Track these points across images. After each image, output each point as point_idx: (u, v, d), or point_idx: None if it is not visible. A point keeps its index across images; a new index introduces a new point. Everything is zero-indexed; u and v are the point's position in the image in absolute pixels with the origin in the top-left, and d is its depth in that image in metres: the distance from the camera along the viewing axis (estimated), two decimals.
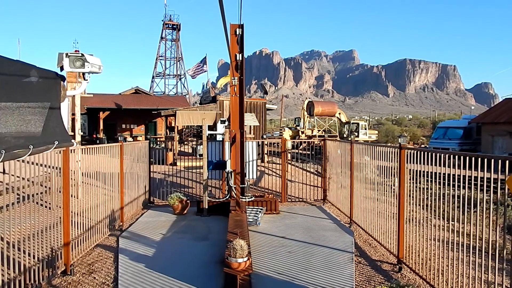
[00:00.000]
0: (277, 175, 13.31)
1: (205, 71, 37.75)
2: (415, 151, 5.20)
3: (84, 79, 3.48)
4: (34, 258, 4.41)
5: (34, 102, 2.59)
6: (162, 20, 57.05)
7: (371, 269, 5.45)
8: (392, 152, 5.85)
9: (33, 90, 2.60)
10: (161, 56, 59.16)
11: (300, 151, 22.15)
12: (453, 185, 4.28)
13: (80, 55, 3.19)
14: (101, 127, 27.84)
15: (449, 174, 4.44)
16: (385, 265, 5.61)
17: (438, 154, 4.68)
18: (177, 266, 5.37)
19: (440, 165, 4.60)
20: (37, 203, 5.32)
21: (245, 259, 4.27)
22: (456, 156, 4.27)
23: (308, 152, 15.36)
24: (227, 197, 8.47)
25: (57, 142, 2.48)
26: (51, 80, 2.80)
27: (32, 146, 2.25)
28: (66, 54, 3.13)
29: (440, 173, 4.59)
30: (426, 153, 4.94)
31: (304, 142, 15.49)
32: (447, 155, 4.55)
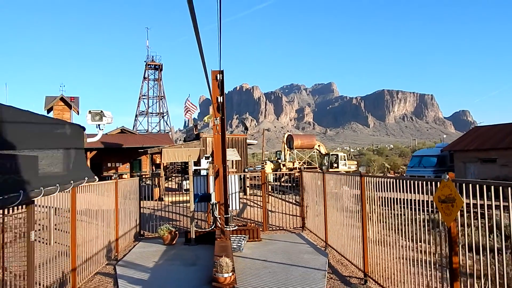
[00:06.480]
0: (259, 206, 14.07)
1: (195, 109, 38.67)
2: (374, 178, 6.17)
3: (100, 129, 4.38)
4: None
5: (66, 148, 3.46)
6: (145, 61, 58.75)
7: (341, 283, 6.24)
8: (355, 179, 6.82)
9: (67, 138, 3.47)
10: (144, 95, 60.39)
11: (282, 183, 23.00)
12: (405, 207, 5.20)
13: (99, 111, 4.12)
14: (89, 166, 28.11)
15: (402, 199, 5.37)
16: (353, 280, 6.41)
17: (391, 180, 5.66)
18: (171, 287, 6.04)
19: (399, 191, 5.50)
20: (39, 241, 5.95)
21: (230, 274, 5.03)
22: (405, 181, 5.26)
23: (290, 184, 16.25)
24: (212, 227, 9.19)
25: (86, 178, 3.31)
26: (78, 130, 3.67)
27: (73, 181, 3.08)
28: (89, 111, 4.04)
29: (396, 198, 5.51)
30: (382, 180, 5.91)
31: (286, 174, 16.41)
32: (400, 181, 5.50)
